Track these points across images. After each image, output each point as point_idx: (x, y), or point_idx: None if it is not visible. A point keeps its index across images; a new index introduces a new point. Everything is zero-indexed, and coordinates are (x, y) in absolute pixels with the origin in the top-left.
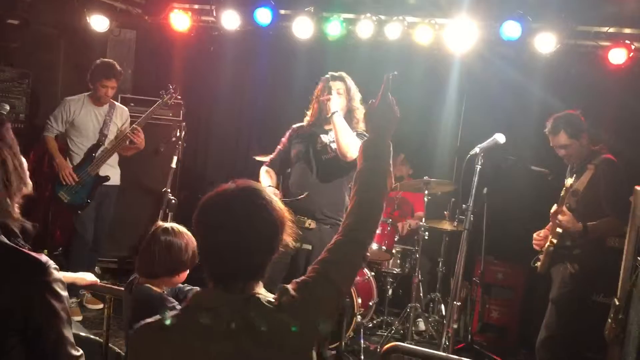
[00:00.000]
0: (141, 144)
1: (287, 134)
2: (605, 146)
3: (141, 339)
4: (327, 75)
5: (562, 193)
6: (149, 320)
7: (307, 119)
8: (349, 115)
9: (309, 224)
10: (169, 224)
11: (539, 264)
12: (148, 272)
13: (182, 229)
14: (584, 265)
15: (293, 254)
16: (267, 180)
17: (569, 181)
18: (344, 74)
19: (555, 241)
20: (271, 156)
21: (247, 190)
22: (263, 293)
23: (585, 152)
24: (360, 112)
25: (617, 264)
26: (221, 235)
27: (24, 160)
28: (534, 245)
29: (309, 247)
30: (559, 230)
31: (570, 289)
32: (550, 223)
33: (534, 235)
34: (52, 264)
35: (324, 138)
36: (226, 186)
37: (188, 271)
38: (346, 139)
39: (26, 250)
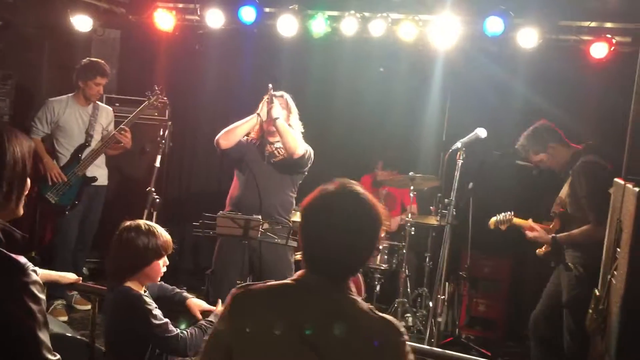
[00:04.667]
0: (128, 144)
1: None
2: (591, 144)
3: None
4: (269, 85)
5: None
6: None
7: (252, 134)
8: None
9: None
10: (132, 222)
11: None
12: (114, 271)
13: (144, 224)
14: (587, 266)
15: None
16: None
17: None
18: (284, 93)
19: (545, 249)
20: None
21: (350, 191)
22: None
23: (564, 158)
24: (296, 129)
25: None
26: (331, 236)
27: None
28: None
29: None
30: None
31: (579, 290)
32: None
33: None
34: (30, 265)
35: (270, 147)
36: (329, 187)
37: (158, 263)
38: (291, 138)
39: (4, 251)
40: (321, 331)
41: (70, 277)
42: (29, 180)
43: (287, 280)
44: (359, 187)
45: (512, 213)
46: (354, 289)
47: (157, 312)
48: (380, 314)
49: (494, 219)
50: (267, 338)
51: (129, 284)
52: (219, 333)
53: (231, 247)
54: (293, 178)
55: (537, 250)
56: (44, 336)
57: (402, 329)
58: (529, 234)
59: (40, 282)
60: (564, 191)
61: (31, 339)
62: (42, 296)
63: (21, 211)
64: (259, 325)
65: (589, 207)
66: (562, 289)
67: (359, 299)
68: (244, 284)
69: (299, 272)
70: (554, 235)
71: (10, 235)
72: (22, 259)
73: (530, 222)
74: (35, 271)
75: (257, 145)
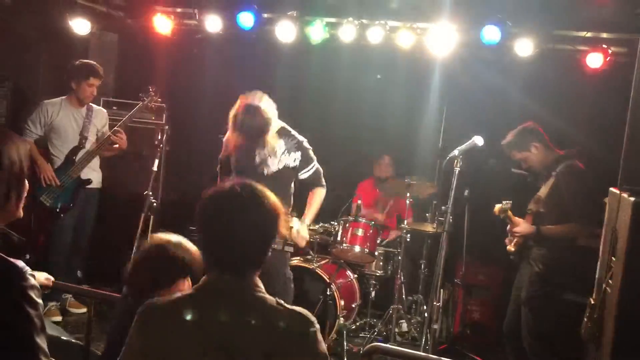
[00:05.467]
0: (123, 145)
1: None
2: (572, 150)
3: (151, 315)
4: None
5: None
6: (157, 299)
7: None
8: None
9: None
10: (168, 236)
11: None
12: (148, 287)
13: (178, 238)
14: (547, 264)
15: None
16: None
17: (497, 206)
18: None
19: (517, 245)
20: (219, 168)
21: (244, 186)
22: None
23: (547, 159)
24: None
25: (587, 262)
26: (229, 231)
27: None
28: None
29: None
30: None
31: (538, 287)
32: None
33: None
34: (28, 269)
35: (260, 154)
36: (223, 186)
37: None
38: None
39: (3, 256)
40: (230, 332)
41: (41, 278)
42: (27, 182)
43: (190, 291)
44: (251, 182)
45: (510, 202)
46: (261, 285)
47: None
48: (290, 306)
49: (498, 205)
50: (179, 350)
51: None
52: (132, 352)
53: None
54: (289, 181)
55: (507, 247)
56: (42, 341)
57: (313, 319)
58: (516, 229)
59: (38, 286)
60: (544, 191)
61: (29, 343)
62: (40, 301)
63: (21, 213)
64: (168, 340)
65: (575, 207)
66: (522, 287)
67: (266, 295)
68: (149, 301)
69: (203, 279)
70: (537, 226)
71: (8, 239)
72: (20, 263)
73: (516, 218)
74: (33, 275)
75: (244, 153)
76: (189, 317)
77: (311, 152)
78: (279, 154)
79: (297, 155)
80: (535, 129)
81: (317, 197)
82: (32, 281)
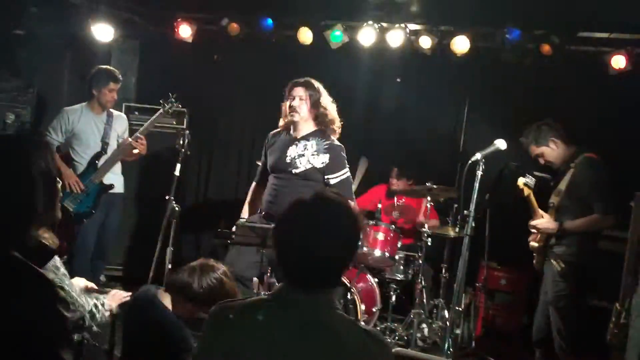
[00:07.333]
0: (143, 151)
1: (265, 143)
2: (585, 145)
3: (225, 315)
4: (291, 82)
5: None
6: (230, 301)
7: (280, 123)
8: (320, 120)
9: None
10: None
11: (534, 261)
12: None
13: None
14: (569, 262)
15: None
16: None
17: (526, 191)
18: (307, 79)
19: (539, 240)
20: (259, 169)
21: (326, 199)
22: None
23: (564, 154)
24: (331, 111)
25: (610, 266)
26: (306, 246)
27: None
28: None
29: None
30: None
31: (563, 287)
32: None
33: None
34: (57, 282)
35: (292, 151)
36: (305, 197)
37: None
38: None
39: (36, 268)
40: (298, 347)
41: (82, 283)
42: (59, 184)
43: (263, 296)
44: (335, 196)
45: (534, 180)
46: (337, 303)
47: None
48: (364, 326)
49: (522, 180)
50: (248, 349)
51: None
52: (203, 352)
53: (246, 250)
54: (319, 184)
55: (531, 244)
56: (66, 355)
57: (386, 341)
58: (538, 225)
59: (67, 300)
60: (563, 184)
61: (54, 358)
62: (67, 314)
63: (59, 214)
64: (237, 342)
65: (596, 197)
66: (546, 285)
67: (343, 313)
68: (222, 302)
69: (278, 286)
70: (562, 222)
71: (43, 250)
72: (50, 275)
73: (539, 210)
74: (62, 287)
75: (283, 145)
76: (260, 318)
77: (344, 160)
78: (308, 154)
79: (326, 158)
80: (553, 124)
81: None
82: (61, 294)
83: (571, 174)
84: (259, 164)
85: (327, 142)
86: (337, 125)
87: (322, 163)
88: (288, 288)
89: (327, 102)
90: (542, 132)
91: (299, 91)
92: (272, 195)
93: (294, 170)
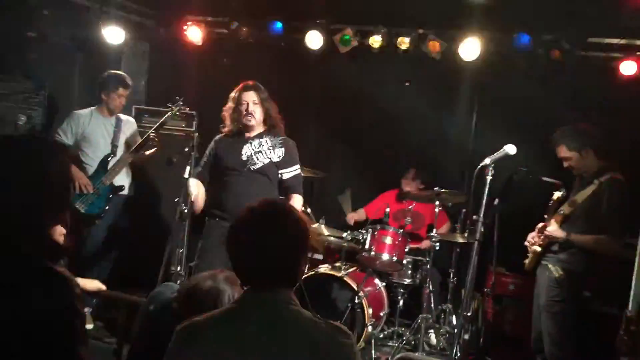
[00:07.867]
0: (159, 147)
1: (210, 146)
2: (616, 163)
3: (190, 332)
4: (239, 87)
5: (550, 204)
6: (195, 318)
7: (225, 129)
8: (269, 119)
9: None
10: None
11: (526, 261)
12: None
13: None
14: (567, 270)
15: None
16: (195, 189)
17: (556, 194)
18: (255, 82)
19: (542, 243)
20: (199, 169)
21: (274, 204)
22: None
23: (591, 166)
24: (275, 110)
25: (609, 271)
26: (259, 248)
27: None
28: (526, 243)
29: None
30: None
31: (557, 292)
32: (542, 223)
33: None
34: (74, 280)
35: (247, 149)
36: (254, 204)
37: None
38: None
39: (53, 267)
40: (266, 345)
41: (95, 285)
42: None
43: (230, 305)
44: (281, 201)
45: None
46: (296, 300)
47: None
48: (324, 319)
49: (558, 194)
50: None
51: None
52: None
53: (216, 241)
54: (276, 178)
55: (533, 247)
56: (84, 352)
57: (349, 332)
58: (547, 230)
59: (82, 297)
60: (581, 196)
61: (71, 355)
62: (83, 311)
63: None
64: (207, 354)
65: (611, 220)
66: (541, 293)
67: (302, 309)
68: (186, 321)
69: (242, 293)
70: (569, 233)
71: (56, 249)
72: (67, 273)
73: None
74: (78, 286)
75: (235, 143)
76: (225, 330)
77: (296, 155)
78: (264, 149)
79: (281, 152)
80: (596, 135)
81: (295, 204)
82: (78, 291)
83: (592, 190)
84: (204, 162)
85: (281, 137)
86: (281, 122)
87: (279, 157)
88: (251, 292)
89: (271, 102)
90: (580, 136)
91: (252, 95)
92: (227, 191)
93: (252, 167)
